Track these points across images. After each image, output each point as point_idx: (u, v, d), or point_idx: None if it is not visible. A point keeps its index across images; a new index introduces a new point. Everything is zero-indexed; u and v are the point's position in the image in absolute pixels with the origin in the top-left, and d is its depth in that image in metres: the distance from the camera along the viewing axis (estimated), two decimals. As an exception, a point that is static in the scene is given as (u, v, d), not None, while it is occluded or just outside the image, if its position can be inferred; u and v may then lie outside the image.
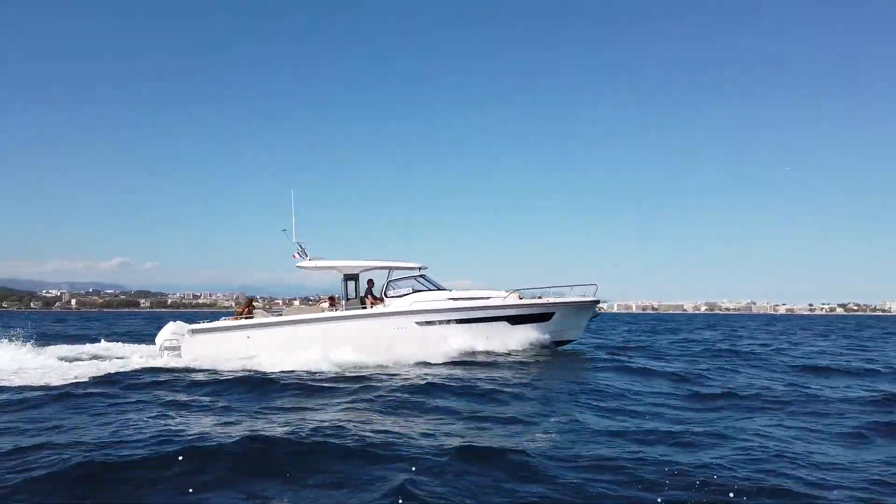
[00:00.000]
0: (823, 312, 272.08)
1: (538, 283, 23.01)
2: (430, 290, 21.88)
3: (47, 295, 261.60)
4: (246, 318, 21.34)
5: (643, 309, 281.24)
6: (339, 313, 21.14)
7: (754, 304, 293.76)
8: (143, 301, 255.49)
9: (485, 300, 21.79)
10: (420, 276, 22.19)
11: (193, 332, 20.61)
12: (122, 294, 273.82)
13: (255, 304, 23.02)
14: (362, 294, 22.06)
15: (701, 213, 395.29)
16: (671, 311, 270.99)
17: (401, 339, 20.32)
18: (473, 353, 20.58)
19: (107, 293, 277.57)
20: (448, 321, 21.06)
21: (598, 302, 23.08)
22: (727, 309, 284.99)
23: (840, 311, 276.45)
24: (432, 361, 19.08)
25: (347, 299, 21.90)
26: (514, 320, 21.71)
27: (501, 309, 21.62)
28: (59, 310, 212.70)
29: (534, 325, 21.96)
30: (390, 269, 22.10)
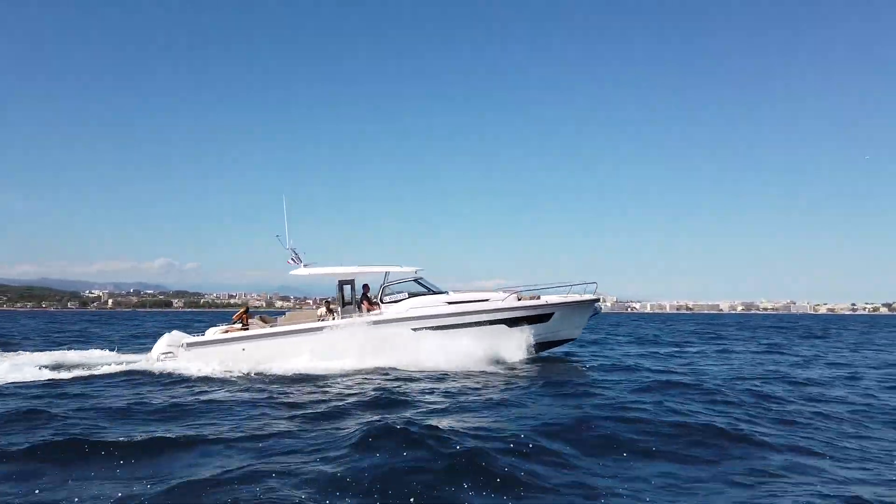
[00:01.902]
0: (867, 312, 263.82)
1: (548, 284, 22.22)
2: (426, 293, 21.33)
3: (89, 295, 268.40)
4: (243, 327, 21.14)
5: (677, 309, 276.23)
6: (329, 323, 20.70)
7: (794, 303, 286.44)
8: (176, 301, 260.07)
9: (482, 303, 21.15)
10: (416, 279, 21.68)
11: (189, 345, 20.37)
12: (162, 294, 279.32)
13: (262, 316, 22.71)
14: (358, 298, 21.64)
15: (737, 212, 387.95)
16: (706, 312, 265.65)
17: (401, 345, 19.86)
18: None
19: (146, 293, 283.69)
20: (443, 326, 20.47)
21: (597, 300, 22.27)
22: (765, 309, 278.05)
23: (884, 310, 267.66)
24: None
25: (343, 305, 21.48)
26: (513, 322, 21.01)
27: (499, 311, 20.94)
28: (93, 309, 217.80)
29: (533, 326, 21.24)
30: (386, 273, 21.62)
